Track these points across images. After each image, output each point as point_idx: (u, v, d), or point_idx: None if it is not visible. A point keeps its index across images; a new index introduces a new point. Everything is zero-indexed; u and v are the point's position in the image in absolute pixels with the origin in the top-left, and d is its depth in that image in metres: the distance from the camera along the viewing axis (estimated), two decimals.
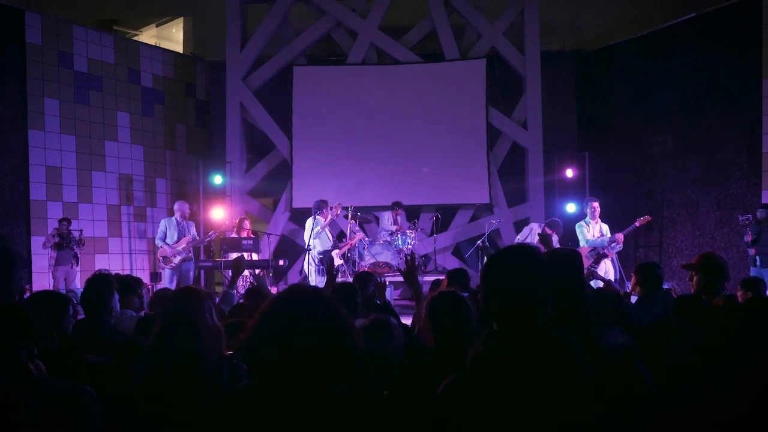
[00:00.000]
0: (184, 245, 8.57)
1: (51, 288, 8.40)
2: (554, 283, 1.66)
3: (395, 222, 9.79)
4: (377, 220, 10.45)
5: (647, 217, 8.02)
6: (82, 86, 10.39)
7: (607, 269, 7.84)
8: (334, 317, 1.63)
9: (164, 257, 8.53)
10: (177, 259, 8.52)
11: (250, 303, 3.71)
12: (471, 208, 11.18)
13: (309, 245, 8.35)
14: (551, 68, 11.33)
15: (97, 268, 8.67)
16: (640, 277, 4.09)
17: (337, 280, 4.25)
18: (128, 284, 4.06)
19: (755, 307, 2.40)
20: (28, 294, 7.38)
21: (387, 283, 7.61)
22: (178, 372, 2.37)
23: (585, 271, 6.39)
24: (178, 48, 13.06)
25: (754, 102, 9.16)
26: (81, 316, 3.50)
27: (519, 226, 10.48)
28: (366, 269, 8.18)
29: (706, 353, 2.43)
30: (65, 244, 8.70)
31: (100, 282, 3.34)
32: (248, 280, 8.76)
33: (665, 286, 5.07)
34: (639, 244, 10.56)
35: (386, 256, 8.98)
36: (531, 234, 8.89)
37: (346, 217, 8.84)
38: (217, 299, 3.87)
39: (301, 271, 9.22)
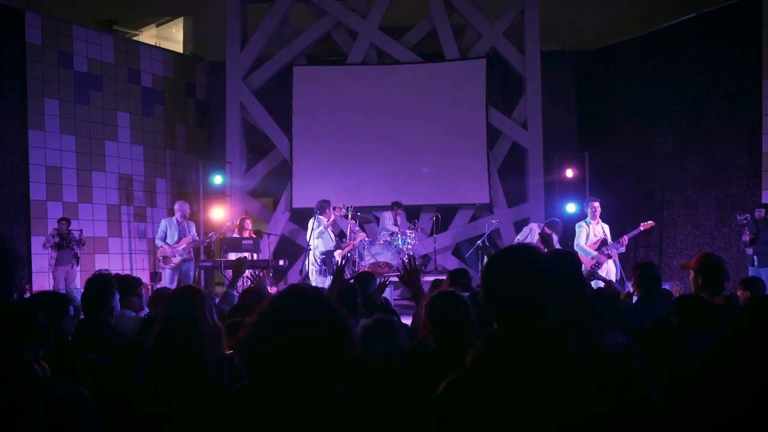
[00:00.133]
0: (184, 245, 8.57)
1: (51, 288, 8.40)
2: (554, 284, 1.66)
3: (395, 222, 9.79)
4: (377, 220, 10.45)
5: (651, 223, 8.02)
6: (82, 86, 10.40)
7: (608, 269, 7.84)
8: (334, 317, 1.63)
9: (164, 257, 8.53)
10: (177, 259, 8.51)
11: (246, 303, 3.68)
12: (471, 208, 11.18)
13: (309, 245, 8.34)
14: (551, 68, 11.33)
15: (97, 268, 8.65)
16: (638, 277, 4.10)
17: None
18: (128, 284, 4.06)
19: (754, 307, 2.41)
20: (28, 294, 7.39)
21: (387, 282, 7.61)
22: (178, 372, 2.37)
23: (586, 272, 6.40)
24: (178, 48, 13.06)
25: (754, 102, 9.16)
26: (82, 317, 3.50)
27: (519, 226, 10.48)
28: (366, 269, 8.18)
29: (710, 356, 2.43)
30: (65, 244, 8.71)
31: (101, 282, 3.34)
32: (248, 280, 8.74)
33: (665, 286, 5.08)
34: (639, 244, 10.56)
35: (386, 256, 8.98)
36: (531, 234, 8.88)
37: (345, 217, 8.83)
38: (217, 299, 3.87)
39: (301, 271, 9.22)
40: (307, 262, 8.48)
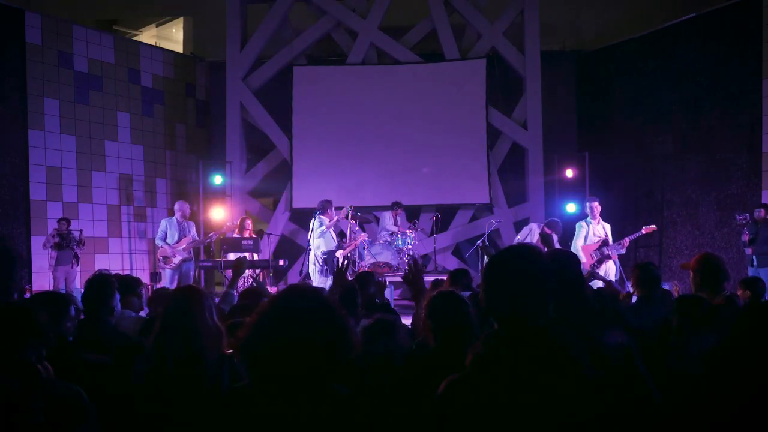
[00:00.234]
0: (184, 245, 8.57)
1: (51, 288, 8.40)
2: (554, 284, 1.66)
3: (395, 222, 9.78)
4: (377, 220, 10.45)
5: (653, 227, 8.04)
6: (82, 86, 10.40)
7: (607, 269, 7.84)
8: (333, 317, 1.63)
9: (164, 257, 8.53)
10: (177, 259, 8.51)
11: (246, 303, 3.68)
12: (471, 208, 11.18)
13: (310, 245, 8.34)
14: (551, 68, 11.33)
15: (97, 268, 8.66)
16: (638, 277, 4.10)
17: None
18: (128, 284, 4.06)
19: (754, 309, 2.41)
20: (28, 294, 7.39)
21: (387, 282, 7.61)
22: (178, 372, 2.37)
23: (585, 272, 6.40)
24: (178, 48, 13.06)
25: (754, 102, 9.16)
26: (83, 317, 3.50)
27: (519, 226, 10.48)
28: (366, 269, 8.17)
29: (710, 356, 2.43)
30: (65, 244, 8.70)
31: (101, 282, 3.34)
32: (249, 280, 8.75)
33: (665, 286, 5.08)
34: (639, 244, 10.55)
35: (386, 256, 8.98)
36: (531, 234, 8.88)
37: (346, 217, 8.84)
38: (217, 299, 3.87)
39: (301, 270, 9.22)
40: (309, 262, 8.48)
